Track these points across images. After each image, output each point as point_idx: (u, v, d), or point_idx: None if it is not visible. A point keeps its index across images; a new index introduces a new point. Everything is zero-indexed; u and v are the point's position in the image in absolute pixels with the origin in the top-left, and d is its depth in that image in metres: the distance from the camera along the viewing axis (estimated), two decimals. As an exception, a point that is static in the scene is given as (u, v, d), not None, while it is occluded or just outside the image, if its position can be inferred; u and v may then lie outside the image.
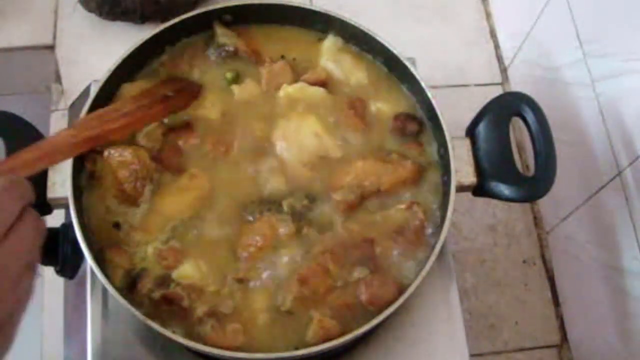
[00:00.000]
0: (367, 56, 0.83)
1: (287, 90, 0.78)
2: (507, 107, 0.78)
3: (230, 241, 0.71)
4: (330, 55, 0.82)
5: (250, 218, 0.72)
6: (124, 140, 0.73)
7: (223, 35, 0.81)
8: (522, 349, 1.01)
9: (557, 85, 0.96)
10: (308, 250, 0.71)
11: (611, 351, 0.89)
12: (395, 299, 0.67)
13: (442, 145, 0.75)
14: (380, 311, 0.66)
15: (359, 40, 0.82)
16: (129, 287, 0.68)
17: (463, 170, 0.75)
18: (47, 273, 0.96)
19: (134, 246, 0.70)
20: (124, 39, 1.08)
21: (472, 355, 0.76)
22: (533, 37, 1.04)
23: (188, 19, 0.79)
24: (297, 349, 0.66)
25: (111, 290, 0.65)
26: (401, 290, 0.68)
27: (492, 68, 1.17)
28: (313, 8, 0.81)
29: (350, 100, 0.79)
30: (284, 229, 0.71)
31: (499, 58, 1.17)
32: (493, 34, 1.19)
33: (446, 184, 0.74)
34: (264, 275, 0.70)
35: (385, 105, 0.80)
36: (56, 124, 1.08)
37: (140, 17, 1.09)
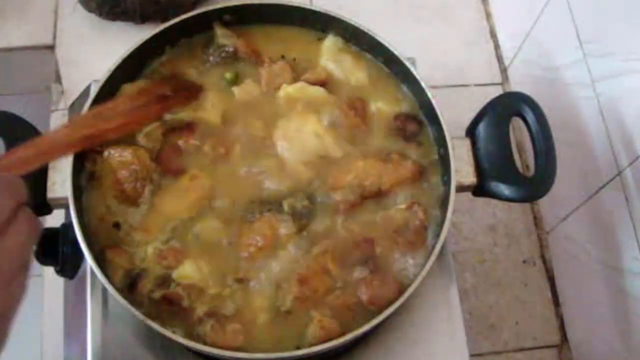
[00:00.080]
0: (367, 56, 0.83)
1: (287, 90, 0.78)
2: (507, 107, 0.78)
3: (230, 241, 0.71)
4: (331, 55, 0.82)
5: (251, 218, 0.72)
6: (123, 140, 0.73)
7: (223, 36, 0.81)
8: (522, 349, 1.01)
9: (557, 85, 0.96)
10: (308, 250, 0.71)
11: (611, 351, 0.89)
12: (396, 298, 0.67)
13: (442, 145, 0.75)
14: (380, 311, 0.66)
15: (359, 40, 0.82)
16: (129, 287, 0.68)
17: (463, 170, 0.75)
18: (47, 273, 0.96)
19: (134, 246, 0.70)
20: (124, 39, 1.08)
21: (472, 355, 0.76)
22: (533, 37, 1.04)
23: (188, 19, 0.79)
24: (297, 349, 0.66)
25: (111, 290, 0.65)
26: (401, 290, 0.68)
27: (492, 68, 1.17)
28: (313, 8, 0.81)
29: (351, 100, 0.79)
30: (284, 229, 0.71)
31: (499, 58, 1.17)
32: (493, 34, 1.19)
33: (446, 184, 0.74)
34: (264, 275, 0.70)
35: (385, 105, 0.80)
36: (56, 124, 1.07)
37: (140, 17, 1.09)
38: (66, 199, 0.69)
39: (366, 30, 0.80)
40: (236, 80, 0.79)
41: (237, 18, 0.82)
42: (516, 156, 0.88)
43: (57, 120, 1.08)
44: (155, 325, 0.64)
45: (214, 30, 0.81)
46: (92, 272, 0.67)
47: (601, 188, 0.86)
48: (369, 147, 0.77)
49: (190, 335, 0.66)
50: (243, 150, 0.76)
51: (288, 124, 0.77)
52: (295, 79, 0.79)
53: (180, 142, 0.75)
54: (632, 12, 0.77)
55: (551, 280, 1.04)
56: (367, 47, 0.82)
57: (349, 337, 0.65)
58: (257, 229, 0.71)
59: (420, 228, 0.72)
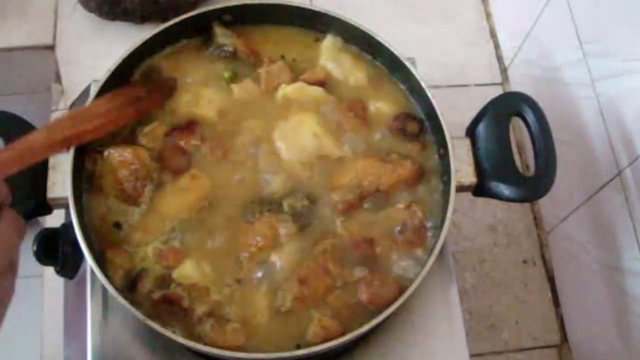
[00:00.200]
0: (367, 56, 0.83)
1: (286, 90, 0.78)
2: (507, 107, 0.78)
3: (230, 241, 0.71)
4: (330, 55, 0.82)
5: (251, 218, 0.72)
6: (124, 139, 0.73)
7: (222, 36, 0.81)
8: (522, 349, 1.01)
9: (557, 85, 0.96)
10: (308, 250, 0.71)
11: (611, 351, 0.89)
12: (396, 298, 0.67)
13: (442, 145, 0.75)
14: (380, 311, 0.66)
15: (359, 40, 0.82)
16: (129, 288, 0.68)
17: (463, 170, 0.75)
18: (47, 273, 0.96)
19: (134, 246, 0.70)
20: (124, 39, 1.08)
21: (472, 355, 0.76)
22: (533, 37, 1.04)
23: (188, 19, 0.79)
24: (297, 348, 0.66)
25: (111, 290, 0.65)
26: (401, 290, 0.68)
27: (492, 68, 1.17)
28: (313, 8, 0.81)
29: (349, 103, 0.79)
30: (284, 229, 0.71)
31: (499, 58, 1.17)
32: (493, 34, 1.19)
33: (446, 184, 0.74)
34: (264, 275, 0.70)
35: (385, 105, 0.80)
36: (56, 124, 1.07)
37: (140, 17, 1.09)
38: (66, 199, 0.69)
39: (366, 30, 0.79)
40: (234, 79, 0.79)
41: (237, 18, 0.82)
42: (516, 156, 0.88)
43: (57, 120, 1.08)
44: (156, 326, 0.64)
45: (213, 30, 0.81)
46: (92, 272, 0.67)
47: (601, 188, 0.86)
48: (369, 147, 0.77)
49: (190, 335, 0.66)
50: (243, 150, 0.76)
51: (287, 124, 0.77)
52: (294, 79, 0.79)
53: (181, 143, 0.75)
54: (632, 12, 0.77)
55: (551, 280, 1.04)
56: (366, 47, 0.82)
57: (349, 337, 0.65)
58: (257, 229, 0.71)
59: (419, 227, 0.72)
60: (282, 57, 0.81)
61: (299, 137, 0.76)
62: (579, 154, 0.91)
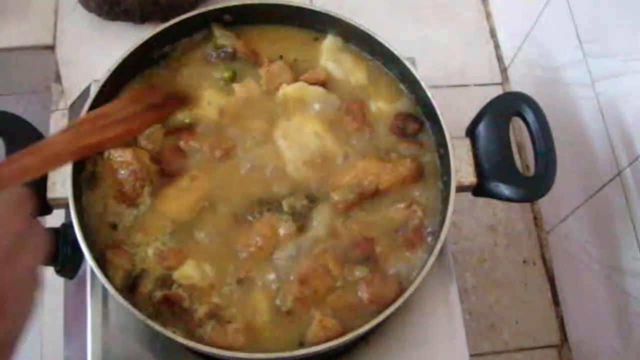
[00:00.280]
0: (367, 56, 0.83)
1: (287, 90, 0.78)
2: (507, 107, 0.78)
3: (230, 241, 0.71)
4: (330, 55, 0.82)
5: (250, 218, 0.72)
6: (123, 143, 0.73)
7: (222, 36, 0.81)
8: (522, 349, 1.01)
9: (557, 85, 0.96)
10: (308, 250, 0.71)
11: (611, 351, 0.89)
12: (396, 298, 0.67)
13: (442, 145, 0.75)
14: (381, 310, 0.66)
15: (359, 40, 0.82)
16: (130, 288, 0.68)
17: (463, 170, 0.75)
18: (47, 273, 0.96)
19: (134, 247, 0.70)
20: (124, 39, 1.08)
21: (472, 355, 0.76)
22: (533, 37, 1.04)
23: (188, 19, 0.79)
24: (297, 348, 0.66)
25: (111, 290, 0.65)
26: (401, 289, 0.68)
27: (492, 68, 1.17)
28: (313, 8, 0.81)
29: (350, 103, 0.79)
30: (284, 229, 0.71)
31: (499, 58, 1.18)
32: (493, 34, 1.19)
33: (446, 183, 0.74)
34: (265, 275, 0.70)
35: (385, 105, 0.80)
36: (56, 124, 1.08)
37: (140, 17, 1.09)
38: (66, 199, 0.69)
39: (366, 30, 0.79)
40: (234, 79, 0.79)
41: (237, 18, 0.82)
42: (516, 156, 0.88)
43: (57, 120, 1.08)
44: (156, 326, 0.64)
45: (212, 31, 0.81)
46: (92, 272, 0.67)
47: (601, 188, 0.86)
48: (369, 147, 0.77)
49: (190, 336, 0.66)
50: (243, 150, 0.76)
51: (288, 124, 0.77)
52: (294, 79, 0.79)
53: (181, 143, 0.75)
54: (632, 12, 0.77)
55: (551, 280, 1.04)
56: (367, 47, 0.82)
57: (349, 336, 0.65)
58: (257, 229, 0.71)
59: (419, 227, 0.72)
60: (281, 57, 0.81)
61: (300, 137, 0.76)
62: (579, 154, 0.91)
